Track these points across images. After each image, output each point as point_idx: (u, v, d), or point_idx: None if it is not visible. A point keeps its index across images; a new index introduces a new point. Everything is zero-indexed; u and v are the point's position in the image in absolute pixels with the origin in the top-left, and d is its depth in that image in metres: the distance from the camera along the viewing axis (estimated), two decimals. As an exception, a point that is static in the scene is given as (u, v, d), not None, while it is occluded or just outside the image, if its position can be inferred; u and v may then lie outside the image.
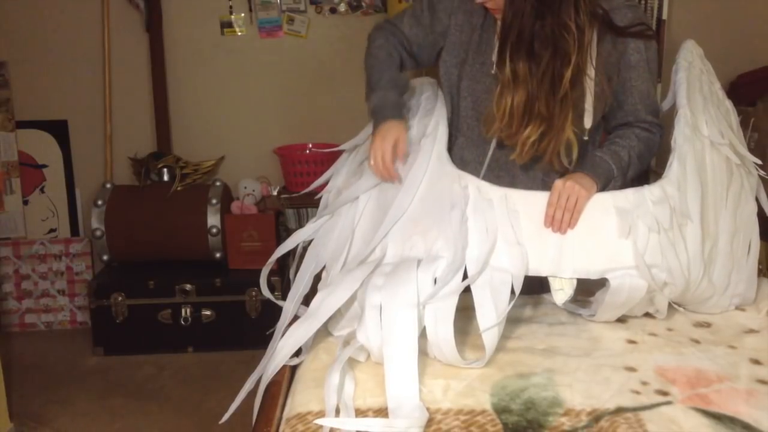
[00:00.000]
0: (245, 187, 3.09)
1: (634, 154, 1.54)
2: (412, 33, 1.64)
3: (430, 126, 1.63)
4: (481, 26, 1.54)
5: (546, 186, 1.56)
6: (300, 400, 1.26)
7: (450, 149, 1.60)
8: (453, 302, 1.34)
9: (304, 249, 1.67)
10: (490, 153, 1.59)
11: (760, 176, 1.66)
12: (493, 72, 1.52)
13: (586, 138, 1.53)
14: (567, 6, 1.37)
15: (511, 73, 1.41)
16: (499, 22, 1.51)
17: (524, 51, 1.39)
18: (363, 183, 1.62)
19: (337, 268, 1.54)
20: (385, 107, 1.55)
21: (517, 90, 1.42)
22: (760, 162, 1.65)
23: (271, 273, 1.67)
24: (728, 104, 1.69)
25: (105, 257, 3.04)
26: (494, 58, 1.52)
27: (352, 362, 1.34)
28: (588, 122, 1.51)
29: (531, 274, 1.43)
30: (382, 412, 1.19)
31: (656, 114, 1.60)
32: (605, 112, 1.57)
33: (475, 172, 1.56)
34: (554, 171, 1.55)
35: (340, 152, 1.87)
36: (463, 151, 1.61)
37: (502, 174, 1.59)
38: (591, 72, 1.47)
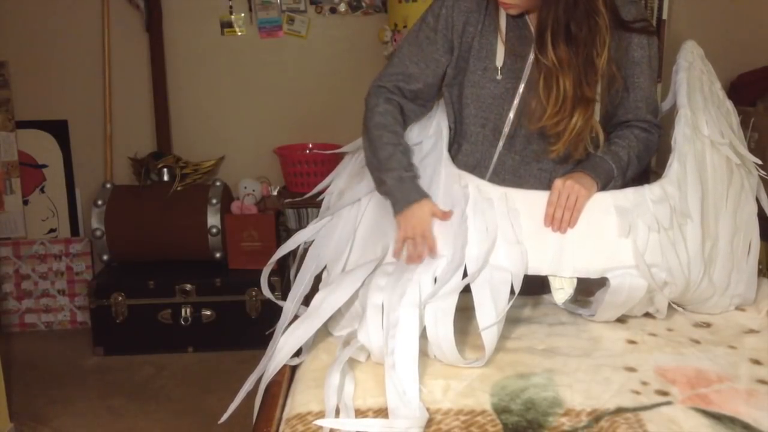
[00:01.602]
0: (245, 187, 3.09)
1: (633, 154, 1.54)
2: (417, 68, 1.56)
3: (431, 127, 1.64)
4: (480, 33, 1.54)
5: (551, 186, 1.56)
6: (300, 400, 1.26)
7: (455, 156, 1.59)
8: (453, 301, 1.34)
9: (305, 250, 1.67)
10: (495, 157, 1.58)
11: (760, 176, 1.66)
12: (498, 78, 1.52)
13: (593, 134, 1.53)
14: None
15: (556, 59, 1.41)
16: (501, 24, 1.51)
17: (563, 34, 1.39)
18: (364, 185, 1.62)
19: (338, 269, 1.54)
20: (406, 191, 1.47)
21: (565, 75, 1.42)
22: (760, 162, 1.65)
23: (272, 273, 1.67)
24: (729, 105, 1.69)
25: (105, 257, 3.04)
26: (498, 63, 1.51)
27: (352, 362, 1.34)
28: (597, 115, 1.50)
29: (531, 273, 1.43)
30: (382, 412, 1.20)
31: (655, 114, 1.60)
32: (609, 108, 1.57)
33: (481, 177, 1.56)
34: (570, 162, 1.55)
35: (340, 152, 1.87)
36: (468, 158, 1.60)
37: (508, 177, 1.58)
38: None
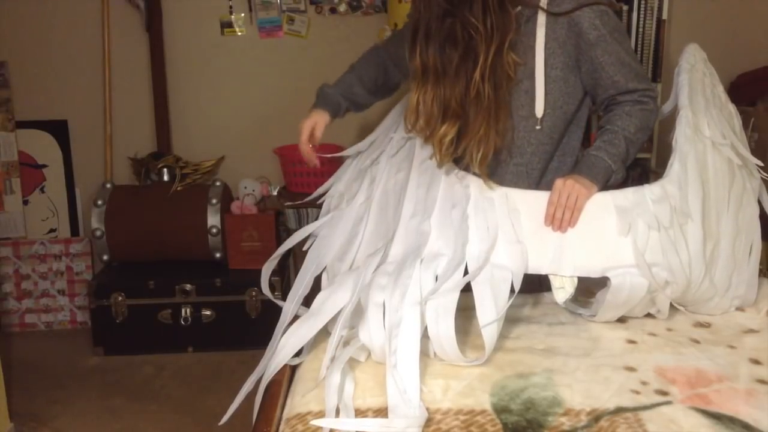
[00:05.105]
0: (245, 187, 3.09)
1: (629, 134, 1.52)
2: (395, 48, 1.77)
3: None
4: None
5: (531, 186, 1.58)
6: (300, 400, 1.26)
7: None
8: (454, 298, 1.34)
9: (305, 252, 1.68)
10: None
11: (762, 178, 1.66)
12: None
13: (539, 127, 1.52)
14: (475, 7, 1.37)
15: (420, 68, 1.42)
16: None
17: (434, 48, 1.40)
18: (364, 189, 1.67)
19: (342, 268, 1.54)
20: (318, 99, 1.78)
21: (426, 86, 1.42)
22: (762, 164, 1.65)
23: (272, 273, 1.67)
24: (731, 108, 1.69)
25: (105, 257, 3.04)
26: None
27: (352, 362, 1.34)
28: (539, 110, 1.51)
29: (531, 272, 1.44)
30: (382, 412, 1.20)
31: (641, 79, 1.55)
32: (588, 90, 1.57)
33: None
34: (543, 153, 1.57)
35: (342, 156, 1.87)
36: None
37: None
38: (540, 57, 1.47)
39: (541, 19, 1.48)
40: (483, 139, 1.45)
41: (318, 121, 1.71)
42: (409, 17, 1.70)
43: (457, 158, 1.54)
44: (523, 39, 1.48)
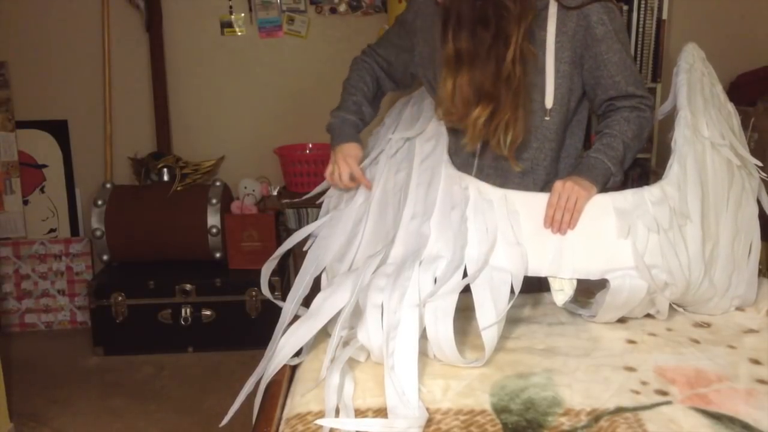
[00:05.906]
0: (245, 187, 3.09)
1: (627, 139, 1.53)
2: (386, 53, 1.76)
3: (429, 129, 1.64)
4: None
5: (537, 184, 1.58)
6: (300, 400, 1.26)
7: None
8: (453, 300, 1.34)
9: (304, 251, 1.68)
10: (477, 153, 1.59)
11: (761, 178, 1.66)
12: None
13: (547, 118, 1.53)
14: None
15: (454, 54, 1.42)
16: None
17: (467, 31, 1.40)
18: (362, 188, 1.66)
19: (342, 268, 1.54)
20: (344, 129, 1.70)
21: (461, 71, 1.42)
22: (761, 164, 1.65)
23: (272, 273, 1.67)
24: (730, 107, 1.69)
25: (105, 257, 3.04)
26: None
27: (352, 362, 1.34)
28: (549, 101, 1.51)
29: (531, 274, 1.44)
30: (381, 412, 1.20)
31: (639, 85, 1.56)
32: (587, 89, 1.57)
33: (468, 173, 1.57)
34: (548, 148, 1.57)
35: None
36: (454, 158, 1.61)
37: (491, 173, 1.60)
38: (551, 49, 1.48)
39: (553, 10, 1.49)
40: (511, 122, 1.46)
41: (357, 155, 1.68)
42: (397, 17, 1.72)
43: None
44: (535, 30, 1.48)
